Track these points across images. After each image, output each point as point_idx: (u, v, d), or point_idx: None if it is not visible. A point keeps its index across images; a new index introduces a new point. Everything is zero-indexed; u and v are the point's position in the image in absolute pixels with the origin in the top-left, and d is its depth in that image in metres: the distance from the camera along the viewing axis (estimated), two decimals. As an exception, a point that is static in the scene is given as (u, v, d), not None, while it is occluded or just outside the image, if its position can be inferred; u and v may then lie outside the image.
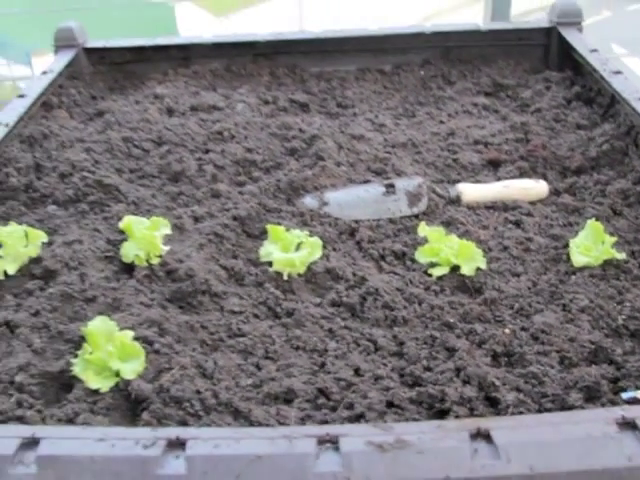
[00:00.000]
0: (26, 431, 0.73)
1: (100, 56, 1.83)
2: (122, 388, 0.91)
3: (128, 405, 0.90)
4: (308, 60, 1.86)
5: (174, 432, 0.74)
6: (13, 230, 1.17)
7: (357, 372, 0.95)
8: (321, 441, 0.72)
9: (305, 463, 0.69)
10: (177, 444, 0.71)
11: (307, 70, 1.85)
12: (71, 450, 0.71)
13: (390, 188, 1.29)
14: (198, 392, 0.90)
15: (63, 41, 1.80)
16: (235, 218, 1.27)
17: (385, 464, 0.69)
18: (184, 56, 1.87)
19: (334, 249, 1.21)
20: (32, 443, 0.71)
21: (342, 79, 1.82)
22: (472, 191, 1.31)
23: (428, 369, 0.95)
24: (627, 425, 0.74)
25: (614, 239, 1.13)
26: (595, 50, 1.61)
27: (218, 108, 1.66)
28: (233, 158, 1.45)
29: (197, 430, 0.76)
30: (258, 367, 0.97)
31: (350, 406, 0.89)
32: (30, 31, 3.27)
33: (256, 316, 1.07)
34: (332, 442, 0.73)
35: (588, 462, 0.69)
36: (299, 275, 1.14)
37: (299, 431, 0.74)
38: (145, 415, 0.87)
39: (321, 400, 0.91)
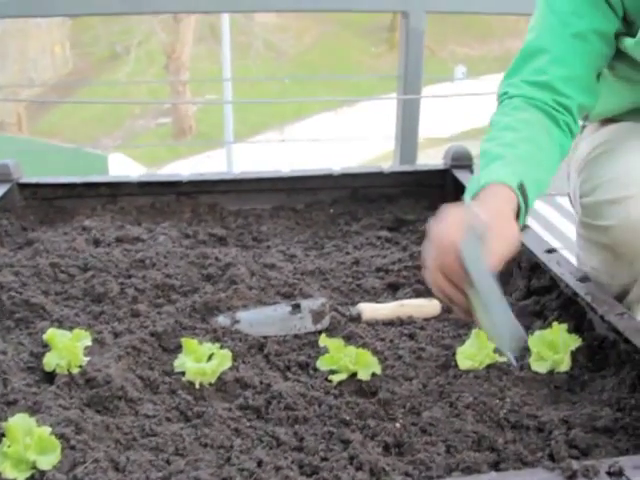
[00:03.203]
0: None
1: (32, 191, 1.94)
2: (37, 479, 0.97)
3: (42, 495, 0.96)
4: (227, 199, 2.01)
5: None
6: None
7: (260, 464, 1.03)
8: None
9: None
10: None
11: (226, 208, 1.99)
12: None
13: (296, 307, 1.42)
14: (110, 482, 0.97)
15: (-1, 176, 1.92)
16: (152, 334, 1.36)
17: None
18: (112, 193, 1.99)
19: (244, 361, 1.31)
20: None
21: (258, 216, 1.97)
22: (371, 309, 1.45)
23: (325, 459, 1.04)
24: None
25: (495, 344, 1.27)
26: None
27: (141, 240, 1.78)
28: (153, 283, 1.56)
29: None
30: (168, 462, 1.04)
31: (252, 492, 0.97)
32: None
33: (168, 419, 1.15)
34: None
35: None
36: (210, 384, 1.24)
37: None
38: (58, 503, 0.93)
39: (226, 489, 0.99)
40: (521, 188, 1.23)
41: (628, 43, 1.39)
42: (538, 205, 3.02)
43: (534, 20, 1.46)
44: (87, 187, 2.00)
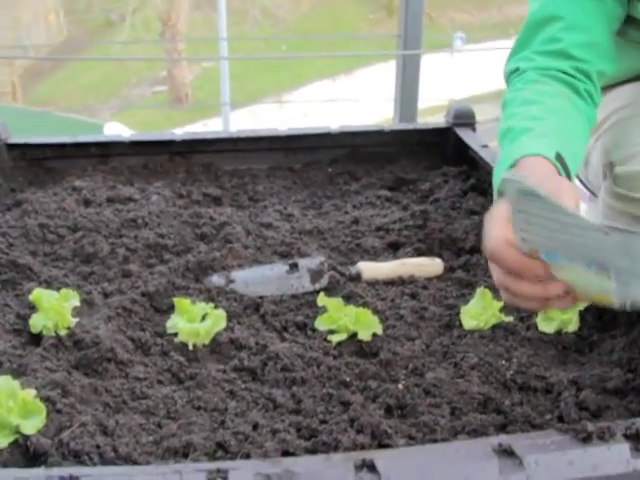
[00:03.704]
0: None
1: (21, 152, 1.88)
2: (21, 444, 0.92)
3: (26, 460, 0.91)
4: (222, 158, 1.95)
5: (67, 471, 0.76)
6: None
7: (255, 427, 0.98)
8: (211, 474, 0.76)
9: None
10: None
11: (221, 168, 1.93)
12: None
13: (293, 266, 1.36)
14: (97, 447, 0.92)
15: (-15, 137, 1.86)
16: (144, 294, 1.31)
17: (270, 487, 0.72)
18: (103, 153, 1.93)
19: (239, 322, 1.26)
20: None
21: (254, 176, 1.90)
22: (371, 268, 1.39)
23: (324, 422, 0.99)
24: (504, 452, 0.80)
25: (501, 304, 1.22)
26: (486, 146, 1.75)
27: (133, 199, 1.72)
28: (145, 242, 1.50)
29: (90, 469, 0.78)
30: (159, 426, 0.99)
31: (247, 456, 0.92)
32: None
33: (160, 382, 1.10)
34: (222, 476, 0.76)
35: None
36: (204, 345, 1.19)
37: (191, 466, 0.77)
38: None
39: (219, 453, 0.93)
40: (559, 159, 1.09)
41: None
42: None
43: None
44: (77, 147, 1.94)
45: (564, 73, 1.25)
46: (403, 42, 2.66)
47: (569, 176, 1.10)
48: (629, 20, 1.35)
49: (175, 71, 14.94)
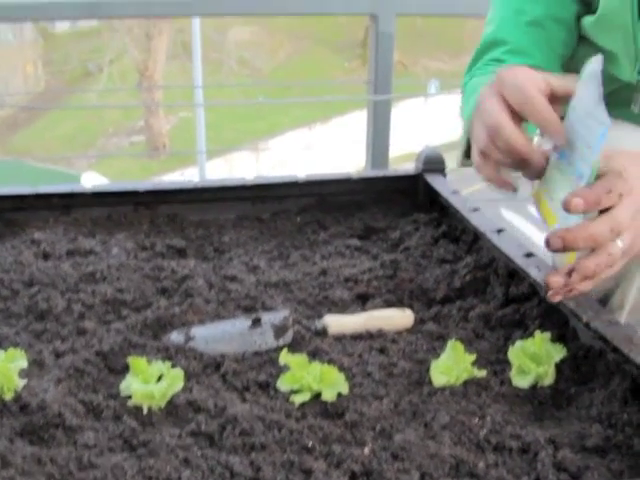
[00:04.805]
0: None
1: (-20, 205, 1.82)
2: (-48, 523, 0.85)
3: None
4: (188, 209, 1.89)
5: None
6: None
7: (210, 499, 0.91)
8: None
9: None
10: None
11: (187, 218, 1.88)
12: None
13: (256, 321, 1.30)
14: (37, 524, 0.85)
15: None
16: (98, 353, 1.24)
17: None
18: (65, 204, 1.87)
19: (197, 382, 1.19)
20: None
21: (220, 226, 1.85)
22: (338, 322, 1.33)
23: (283, 492, 0.92)
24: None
25: (473, 357, 1.16)
26: (456, 192, 1.71)
27: (94, 252, 1.66)
28: (103, 298, 1.44)
29: None
30: (106, 498, 0.92)
31: (199, 532, 0.85)
32: None
33: (110, 449, 1.03)
34: None
35: None
36: (159, 408, 1.11)
37: None
38: None
39: (170, 528, 0.87)
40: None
41: (587, 22, 1.33)
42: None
43: (490, 13, 1.41)
44: (39, 198, 1.88)
45: None
46: (373, 87, 2.64)
47: None
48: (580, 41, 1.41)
49: (152, 121, 15.01)
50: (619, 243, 1.07)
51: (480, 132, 1.12)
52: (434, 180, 1.82)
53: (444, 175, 1.85)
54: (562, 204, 1.02)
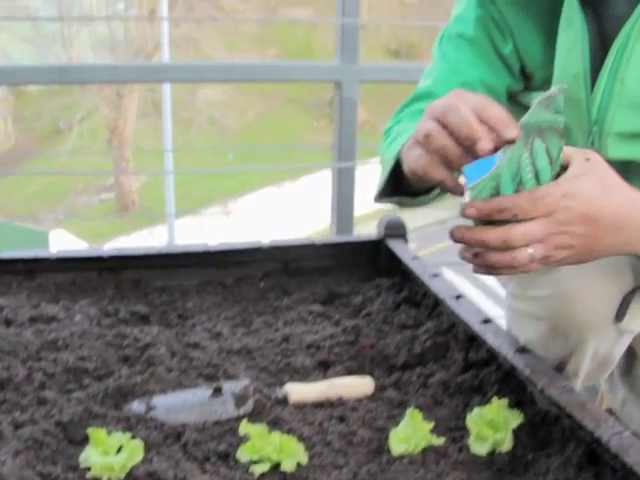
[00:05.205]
0: None
1: (-62, 270, 1.82)
2: None
3: None
4: (153, 274, 1.90)
5: None
6: None
7: None
8: None
9: None
10: None
11: (151, 284, 1.89)
12: None
13: (217, 391, 1.31)
14: None
15: None
16: (58, 424, 1.24)
17: None
18: (29, 269, 1.87)
19: (158, 453, 1.19)
20: None
21: (184, 292, 1.86)
22: (298, 391, 1.34)
23: None
24: None
25: (432, 424, 1.18)
26: (417, 257, 1.74)
27: (57, 319, 1.66)
28: (64, 366, 1.44)
29: None
30: None
31: None
32: None
33: (68, 523, 1.02)
34: None
35: None
36: (119, 480, 1.11)
37: None
38: None
39: None
40: None
41: (536, 97, 1.38)
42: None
43: (429, 67, 1.47)
44: (2, 263, 1.88)
45: None
46: (338, 153, 2.69)
47: None
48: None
49: (122, 178, 15.02)
50: (529, 250, 1.07)
51: (423, 124, 1.10)
52: (395, 245, 1.86)
53: (405, 240, 1.88)
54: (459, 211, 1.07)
